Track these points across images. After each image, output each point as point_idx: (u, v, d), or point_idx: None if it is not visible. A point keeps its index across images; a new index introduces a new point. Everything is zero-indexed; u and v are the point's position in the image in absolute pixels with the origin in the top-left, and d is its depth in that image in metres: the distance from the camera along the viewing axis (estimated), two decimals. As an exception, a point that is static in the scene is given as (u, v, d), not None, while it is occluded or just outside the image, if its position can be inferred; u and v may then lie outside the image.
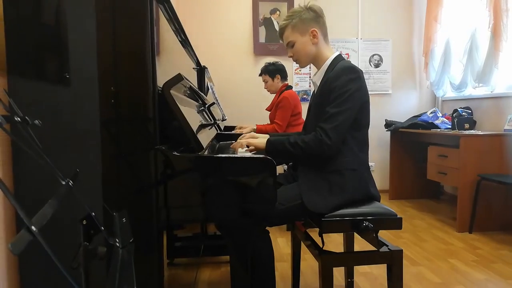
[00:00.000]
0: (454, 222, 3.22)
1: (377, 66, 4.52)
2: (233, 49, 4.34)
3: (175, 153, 1.27)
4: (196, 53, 2.67)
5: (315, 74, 1.66)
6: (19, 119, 0.69)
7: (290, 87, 3.25)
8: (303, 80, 4.45)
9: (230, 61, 4.33)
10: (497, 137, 3.07)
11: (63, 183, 0.71)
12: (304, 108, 2.31)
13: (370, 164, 1.63)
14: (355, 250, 1.96)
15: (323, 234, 1.51)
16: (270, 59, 3.51)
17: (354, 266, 2.10)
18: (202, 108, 2.06)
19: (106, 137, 1.23)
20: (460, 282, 2.13)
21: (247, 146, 1.57)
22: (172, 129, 1.34)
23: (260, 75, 3.34)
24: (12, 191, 1.24)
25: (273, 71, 3.25)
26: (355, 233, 1.61)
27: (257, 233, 1.50)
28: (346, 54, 4.44)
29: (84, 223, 0.77)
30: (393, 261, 1.45)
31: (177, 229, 2.39)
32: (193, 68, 2.80)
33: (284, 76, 3.28)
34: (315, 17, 1.58)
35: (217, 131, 2.53)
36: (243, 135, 1.67)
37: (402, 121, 4.22)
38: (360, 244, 1.89)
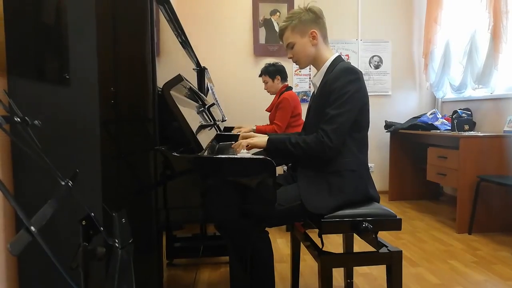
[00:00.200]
0: (453, 223, 3.22)
1: (377, 67, 4.53)
2: (233, 50, 4.34)
3: (175, 153, 1.27)
4: (196, 54, 2.67)
5: (314, 75, 1.66)
6: (18, 119, 0.69)
7: (290, 88, 3.25)
8: (303, 81, 4.45)
9: (230, 62, 4.34)
10: (496, 138, 3.07)
11: (63, 183, 0.72)
12: (304, 109, 2.31)
13: (369, 165, 1.64)
14: (354, 251, 1.96)
15: (323, 235, 1.51)
16: (270, 60, 3.52)
17: (354, 267, 2.10)
18: (202, 108, 2.06)
19: (106, 137, 1.23)
20: (460, 283, 2.13)
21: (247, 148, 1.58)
22: (172, 130, 1.34)
23: (260, 76, 3.34)
24: (12, 192, 1.24)
25: (273, 72, 3.25)
26: (354, 234, 1.61)
27: (256, 234, 1.50)
28: (346, 55, 4.45)
29: (84, 223, 0.77)
30: (393, 262, 1.45)
31: (177, 230, 2.39)
32: (193, 68, 2.80)
33: (284, 77, 3.28)
34: (315, 18, 1.59)
35: (217, 131, 2.54)
36: (242, 130, 1.67)
37: (402, 122, 4.22)
38: (360, 245, 1.89)
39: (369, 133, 1.60)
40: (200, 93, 2.43)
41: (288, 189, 1.54)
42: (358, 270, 2.26)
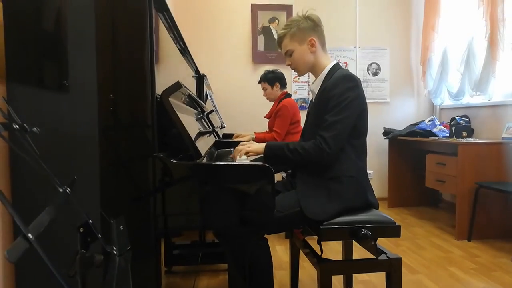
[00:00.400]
0: (453, 230, 3.21)
1: (375, 74, 4.55)
2: (232, 57, 4.37)
3: (174, 160, 1.27)
4: (195, 61, 2.68)
5: (313, 82, 1.67)
6: (17, 126, 0.69)
7: (289, 95, 3.27)
8: (301, 88, 4.47)
9: (229, 69, 4.35)
10: (495, 145, 3.08)
11: (61, 190, 0.71)
12: (303, 116, 2.32)
13: (368, 171, 1.64)
14: (353, 258, 1.95)
15: (322, 242, 1.50)
16: (269, 67, 3.53)
17: (353, 274, 2.09)
18: (201, 115, 2.06)
19: (104, 144, 1.23)
20: (459, 290, 2.12)
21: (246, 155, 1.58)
22: (170, 137, 1.34)
23: (259, 82, 3.35)
24: (10, 198, 1.24)
25: (272, 79, 3.26)
26: (353, 241, 1.61)
27: (255, 241, 1.50)
28: (344, 62, 4.47)
29: (81, 230, 0.77)
30: (392, 269, 1.44)
31: (175, 237, 2.38)
32: (192, 76, 2.81)
33: (283, 84, 3.29)
34: (313, 26, 1.60)
35: (216, 138, 2.54)
36: (242, 143, 1.67)
37: (400, 129, 4.23)
38: (359, 252, 1.88)
39: (367, 140, 1.60)
40: (199, 100, 2.43)
41: (287, 196, 1.54)
42: (357, 277, 2.25)
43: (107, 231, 0.84)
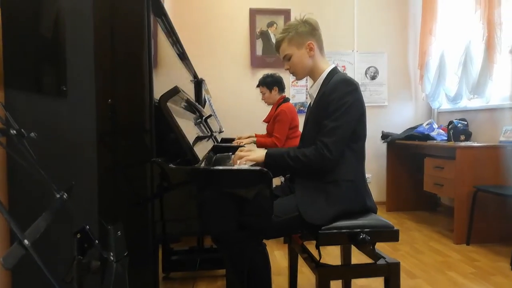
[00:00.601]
0: (451, 234, 3.21)
1: (373, 78, 4.56)
2: (231, 61, 4.37)
3: (171, 165, 1.27)
4: (193, 65, 2.68)
5: (311, 87, 1.67)
6: (14, 131, 0.69)
7: (287, 100, 3.27)
8: (300, 92, 4.48)
9: (227, 73, 4.36)
10: (492, 148, 3.08)
11: (57, 196, 0.71)
12: (301, 120, 2.32)
13: (366, 175, 1.64)
14: (352, 262, 1.95)
15: (320, 247, 1.50)
16: (267, 72, 3.53)
17: (352, 279, 2.09)
18: (199, 120, 2.06)
19: (102, 149, 1.23)
20: (459, 295, 2.11)
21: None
22: (168, 142, 1.34)
23: (258, 86, 3.35)
24: (7, 204, 1.23)
25: (270, 83, 3.26)
26: (352, 245, 1.60)
27: (253, 246, 1.49)
28: (342, 66, 4.48)
29: (78, 236, 0.77)
30: (391, 274, 1.44)
31: (173, 242, 2.37)
32: (191, 80, 2.81)
33: (282, 88, 3.29)
34: (311, 30, 1.60)
35: (214, 143, 2.53)
36: (240, 148, 1.67)
37: (399, 133, 4.24)
38: (357, 257, 1.88)
39: (366, 143, 1.60)
40: (197, 104, 2.43)
41: (285, 201, 1.53)
42: (356, 282, 2.24)
43: (104, 237, 0.84)
